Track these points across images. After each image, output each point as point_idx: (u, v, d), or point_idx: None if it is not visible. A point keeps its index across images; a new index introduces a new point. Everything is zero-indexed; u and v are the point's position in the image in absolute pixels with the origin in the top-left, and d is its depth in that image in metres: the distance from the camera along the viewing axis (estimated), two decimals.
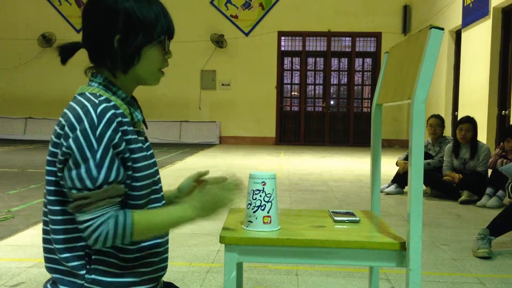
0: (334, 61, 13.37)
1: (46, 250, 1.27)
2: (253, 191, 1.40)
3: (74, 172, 1.14)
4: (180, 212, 1.25)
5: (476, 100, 7.82)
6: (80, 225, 1.16)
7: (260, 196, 1.40)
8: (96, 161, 1.14)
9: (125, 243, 1.19)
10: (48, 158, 1.21)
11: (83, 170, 1.13)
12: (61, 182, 1.19)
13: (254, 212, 1.40)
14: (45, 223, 1.26)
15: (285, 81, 13.51)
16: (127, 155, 1.20)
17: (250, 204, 1.40)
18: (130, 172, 1.21)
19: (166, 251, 1.36)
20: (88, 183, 1.13)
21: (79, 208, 1.15)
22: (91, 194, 1.14)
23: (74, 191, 1.15)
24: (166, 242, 1.36)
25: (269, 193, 1.40)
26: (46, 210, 1.25)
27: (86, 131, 1.14)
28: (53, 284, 1.27)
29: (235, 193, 1.31)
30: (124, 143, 1.19)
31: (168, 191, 1.52)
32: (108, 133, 1.15)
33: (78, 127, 1.14)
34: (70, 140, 1.14)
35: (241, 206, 1.51)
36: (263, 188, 1.40)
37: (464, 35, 8.51)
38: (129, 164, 1.21)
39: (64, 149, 1.15)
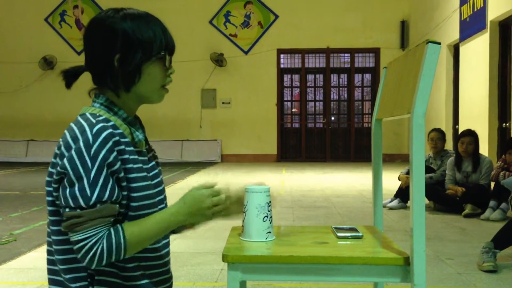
0: (334, 77, 13.43)
1: (50, 272, 1.27)
2: (267, 203, 1.47)
3: (68, 191, 1.14)
4: (169, 216, 1.24)
5: (476, 113, 7.83)
6: (74, 246, 1.15)
7: (270, 208, 1.49)
8: (90, 180, 1.14)
9: (120, 259, 1.18)
10: (47, 179, 1.22)
11: (77, 189, 1.14)
12: (57, 202, 1.20)
13: (270, 222, 1.48)
14: (49, 244, 1.26)
15: (285, 98, 13.57)
16: (122, 174, 1.20)
17: (267, 216, 1.47)
18: (125, 193, 1.21)
19: (167, 266, 1.35)
20: (81, 201, 1.14)
21: (71, 227, 1.14)
22: (84, 213, 1.14)
23: (67, 210, 1.15)
24: (167, 255, 1.35)
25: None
26: (49, 230, 1.25)
27: (81, 149, 1.15)
28: None
29: (221, 199, 1.28)
30: (119, 163, 1.19)
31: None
32: (103, 152, 1.15)
33: (73, 146, 1.15)
34: (65, 160, 1.15)
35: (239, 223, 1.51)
36: (271, 199, 1.50)
37: (462, 49, 8.57)
38: (124, 184, 1.20)
39: (59, 168, 1.16)
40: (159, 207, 1.31)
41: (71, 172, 1.14)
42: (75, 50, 13.18)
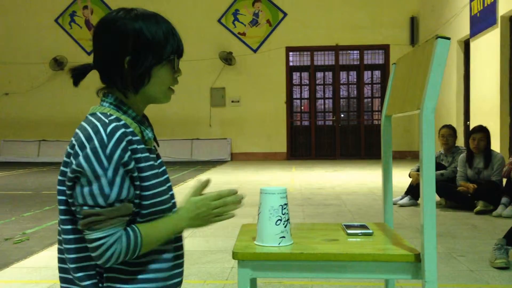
0: (343, 75, 13.38)
1: (61, 270, 1.28)
2: (282, 206, 1.40)
3: (86, 189, 1.15)
4: (175, 221, 1.28)
5: (488, 109, 7.77)
6: (90, 244, 1.16)
7: (287, 210, 1.41)
8: (107, 179, 1.15)
9: (133, 257, 1.21)
10: (60, 178, 1.23)
11: (95, 187, 1.14)
12: (70, 200, 1.20)
13: (285, 226, 1.40)
14: (60, 243, 1.27)
15: (295, 96, 13.55)
16: (136, 174, 1.21)
17: (281, 220, 1.39)
18: (138, 192, 1.22)
19: (180, 266, 1.35)
20: (100, 200, 1.15)
21: (89, 225, 1.15)
22: (103, 211, 1.15)
23: (85, 208, 1.15)
24: (178, 256, 1.35)
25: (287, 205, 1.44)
26: (59, 229, 1.26)
27: (96, 149, 1.15)
28: None
29: (232, 209, 1.32)
30: (133, 162, 1.20)
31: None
32: (118, 152, 1.16)
33: (88, 145, 1.16)
34: (81, 158, 1.15)
35: (253, 221, 1.51)
36: (287, 202, 1.42)
37: (473, 44, 8.49)
38: (137, 183, 1.22)
39: (74, 166, 1.16)
40: (172, 201, 1.33)
41: (88, 171, 1.14)
42: (85, 51, 13.26)
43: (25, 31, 13.48)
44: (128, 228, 1.19)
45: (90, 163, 1.14)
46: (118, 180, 1.16)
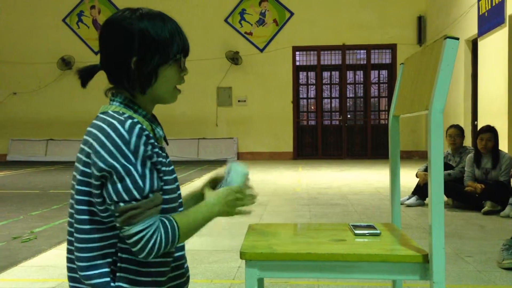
0: (350, 74, 13.35)
1: (70, 270, 1.28)
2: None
3: (119, 185, 1.16)
4: (209, 208, 1.31)
5: (496, 109, 7.72)
6: (130, 239, 1.17)
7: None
8: (138, 172, 1.17)
9: (173, 248, 1.23)
10: (80, 177, 1.22)
11: (128, 182, 1.16)
12: (98, 200, 1.20)
13: None
14: (70, 243, 1.27)
15: (301, 96, 13.53)
16: (159, 166, 1.23)
17: None
18: (162, 184, 1.24)
19: (183, 268, 1.36)
20: (135, 193, 1.16)
21: (129, 221, 1.16)
22: (140, 204, 1.16)
23: (122, 204, 1.16)
24: (182, 256, 1.36)
25: None
26: (71, 229, 1.26)
27: (120, 146, 1.16)
28: None
29: (250, 201, 1.39)
30: (155, 155, 1.22)
31: (192, 192, 1.54)
32: (141, 146, 1.18)
33: (109, 143, 1.16)
34: (107, 157, 1.16)
35: (260, 221, 1.51)
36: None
37: (481, 44, 8.44)
38: (161, 175, 1.24)
39: (102, 166, 1.16)
40: (179, 201, 1.34)
41: (118, 168, 1.15)
42: (93, 50, 13.31)
43: (32, 31, 13.55)
44: (163, 218, 1.21)
45: (117, 160, 1.15)
46: (147, 172, 1.18)
